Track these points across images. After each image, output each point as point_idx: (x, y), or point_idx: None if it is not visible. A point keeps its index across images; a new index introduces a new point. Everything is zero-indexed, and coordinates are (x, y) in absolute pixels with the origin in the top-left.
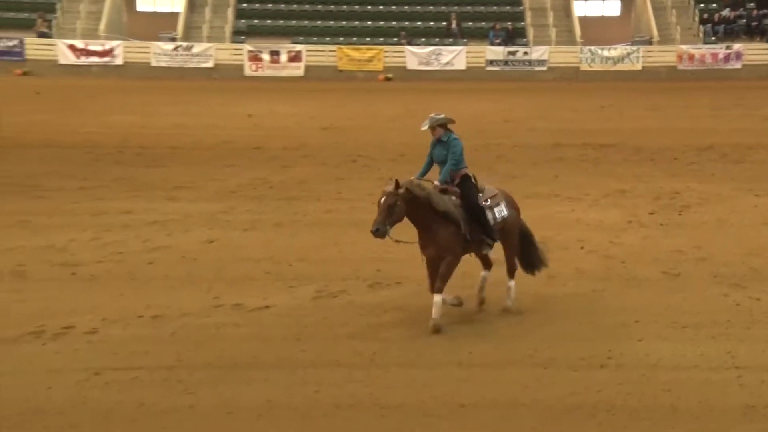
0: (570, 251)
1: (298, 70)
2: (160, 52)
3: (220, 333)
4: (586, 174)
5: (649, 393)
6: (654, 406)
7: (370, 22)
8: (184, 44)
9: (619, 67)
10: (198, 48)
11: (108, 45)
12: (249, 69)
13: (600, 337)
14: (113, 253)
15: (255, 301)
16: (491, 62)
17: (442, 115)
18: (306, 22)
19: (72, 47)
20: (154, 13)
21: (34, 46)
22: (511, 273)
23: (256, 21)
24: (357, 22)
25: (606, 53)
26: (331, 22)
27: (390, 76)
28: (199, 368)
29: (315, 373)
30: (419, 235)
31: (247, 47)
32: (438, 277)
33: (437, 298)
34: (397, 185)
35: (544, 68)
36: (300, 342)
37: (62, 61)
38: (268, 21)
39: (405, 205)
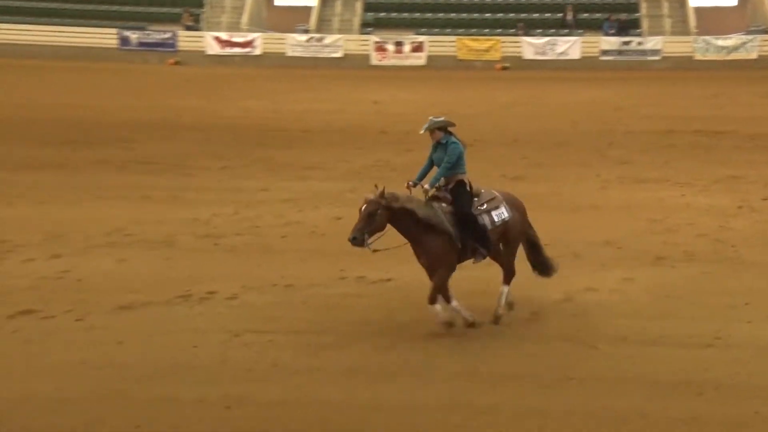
0: (679, 234)
1: (420, 59)
2: (294, 43)
3: (345, 302)
4: (697, 160)
5: (758, 372)
6: (763, 386)
7: (488, 14)
8: (317, 36)
9: (734, 56)
10: (329, 39)
11: (249, 37)
12: (375, 59)
13: (709, 318)
14: (251, 226)
15: (377, 274)
16: (605, 52)
17: (442, 118)
18: (429, 14)
19: (218, 39)
20: (291, 7)
21: (185, 38)
22: (507, 278)
23: (382, 14)
24: (476, 14)
25: (720, 43)
26: (452, 15)
27: (507, 65)
28: (326, 333)
29: (434, 342)
30: (411, 246)
31: (373, 38)
32: (431, 288)
33: (434, 308)
34: (382, 194)
35: (658, 58)
36: (420, 312)
37: (209, 51)
38: (394, 14)
39: (387, 215)
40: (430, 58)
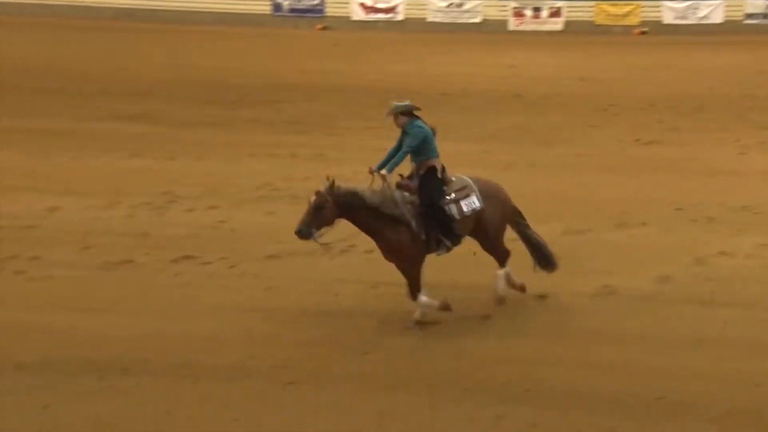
0: None
1: (557, 25)
2: (435, 9)
3: (478, 260)
4: None
5: None
6: None
7: None
8: (457, 1)
9: None
10: (468, 5)
11: (392, 3)
12: (512, 24)
13: None
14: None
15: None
16: (750, 15)
17: (406, 102)
18: None
19: (362, 5)
20: None
21: (332, 5)
22: (501, 262)
23: None
24: None
25: None
26: None
27: (645, 30)
28: (457, 288)
29: (560, 298)
30: (373, 240)
31: (512, 4)
32: (407, 287)
33: (421, 299)
34: (331, 187)
35: None
36: (548, 275)
37: (354, 17)
38: None
39: (336, 208)
40: (567, 23)
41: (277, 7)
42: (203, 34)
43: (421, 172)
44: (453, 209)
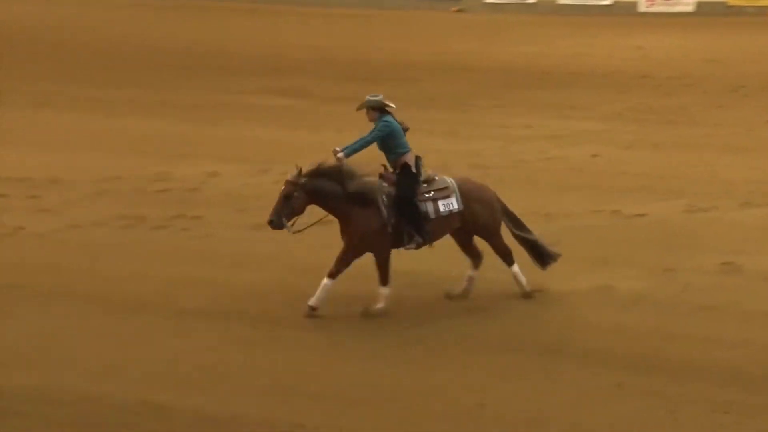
0: None
1: (688, 6)
2: None
3: (598, 233)
4: None
5: None
6: None
7: None
8: None
9: None
10: None
11: None
12: (643, 6)
13: None
14: (516, 160)
15: (631, 209)
16: None
17: (379, 97)
18: None
19: None
20: None
21: None
22: (506, 261)
23: None
24: None
25: None
26: None
27: None
28: (579, 261)
29: (681, 274)
30: (339, 225)
31: None
32: (378, 272)
33: (383, 291)
34: (299, 175)
35: None
36: (669, 250)
37: (487, 0)
38: None
39: (306, 197)
40: (699, 4)
41: None
42: (345, 17)
43: (398, 169)
44: (429, 207)
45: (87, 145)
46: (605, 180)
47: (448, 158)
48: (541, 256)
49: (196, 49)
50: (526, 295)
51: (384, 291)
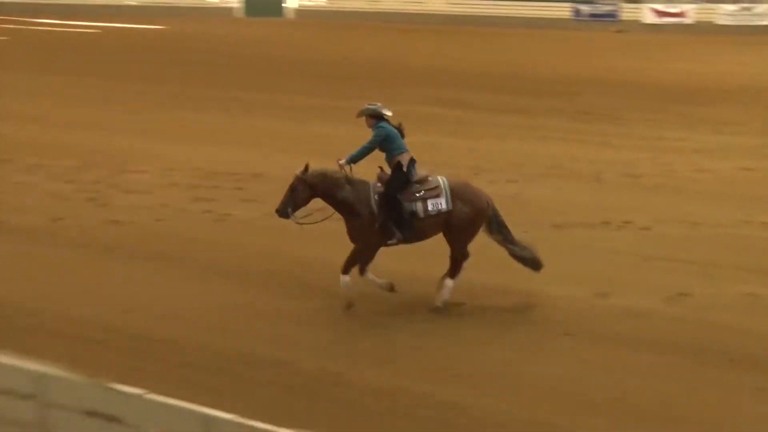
0: None
1: None
2: (725, 13)
3: (745, 242)
4: None
5: None
6: None
7: None
8: (747, 5)
9: None
10: (759, 8)
11: (682, 8)
12: None
13: None
14: (667, 170)
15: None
16: None
17: (376, 105)
18: None
19: (654, 10)
20: None
21: (626, 10)
22: (452, 272)
23: None
24: None
25: None
26: None
27: None
28: (722, 267)
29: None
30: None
31: None
32: (346, 258)
33: (343, 278)
34: (305, 171)
35: None
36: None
37: (646, 21)
38: None
39: (309, 191)
40: None
41: (577, 13)
42: (511, 36)
43: (391, 168)
44: (418, 206)
45: (281, 146)
46: (756, 192)
47: (600, 166)
48: (529, 263)
49: (377, 62)
50: (435, 309)
51: (345, 280)
